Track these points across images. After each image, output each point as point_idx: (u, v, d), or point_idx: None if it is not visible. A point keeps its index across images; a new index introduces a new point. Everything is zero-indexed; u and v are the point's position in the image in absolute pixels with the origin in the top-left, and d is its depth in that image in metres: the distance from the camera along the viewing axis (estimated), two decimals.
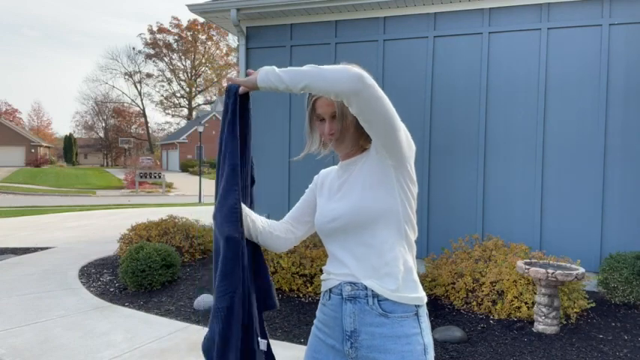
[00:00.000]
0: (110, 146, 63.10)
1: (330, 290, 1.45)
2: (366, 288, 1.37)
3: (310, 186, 1.67)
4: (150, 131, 65.35)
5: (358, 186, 1.41)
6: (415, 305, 1.38)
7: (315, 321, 1.55)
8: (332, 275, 1.46)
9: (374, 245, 1.38)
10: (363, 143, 1.47)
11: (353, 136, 1.44)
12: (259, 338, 1.50)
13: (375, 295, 1.36)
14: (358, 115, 1.28)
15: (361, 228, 1.39)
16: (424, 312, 1.41)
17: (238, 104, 1.48)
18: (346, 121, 1.41)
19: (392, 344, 1.33)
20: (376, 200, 1.37)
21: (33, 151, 50.46)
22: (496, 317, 4.23)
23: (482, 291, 4.37)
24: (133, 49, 67.18)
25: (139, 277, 5.07)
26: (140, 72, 60.84)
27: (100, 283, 5.63)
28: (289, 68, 1.31)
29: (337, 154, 1.52)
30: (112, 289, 5.35)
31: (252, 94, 1.52)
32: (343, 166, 1.51)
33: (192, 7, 6.42)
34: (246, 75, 1.42)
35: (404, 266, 1.38)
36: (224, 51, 59.45)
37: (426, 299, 1.42)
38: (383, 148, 1.34)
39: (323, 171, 1.65)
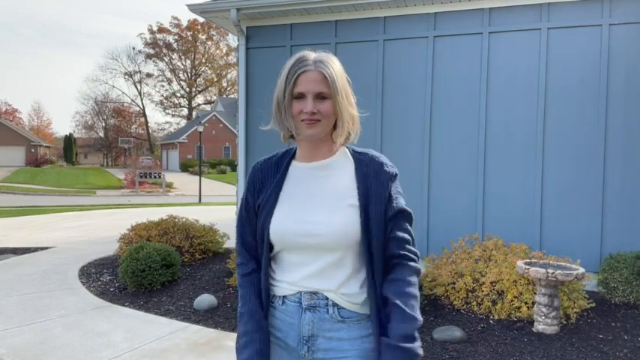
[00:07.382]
0: (110, 146, 63.11)
1: (285, 297, 1.38)
2: (327, 298, 1.35)
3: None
4: (150, 131, 65.41)
5: (344, 203, 1.35)
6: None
7: None
8: (286, 284, 1.39)
9: (344, 264, 1.35)
10: (332, 134, 1.38)
11: (331, 122, 1.35)
12: None
13: (335, 305, 1.35)
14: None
15: (340, 249, 1.34)
16: None
17: None
18: (335, 104, 1.32)
19: (348, 345, 1.36)
20: (358, 224, 1.33)
21: (33, 151, 50.50)
22: (496, 317, 4.23)
23: (483, 291, 4.37)
24: (133, 48, 67.43)
25: (139, 277, 5.07)
26: (140, 72, 60.97)
27: (100, 283, 5.63)
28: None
29: (302, 147, 1.41)
30: (112, 289, 5.35)
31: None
32: (316, 168, 1.40)
33: (192, 7, 6.42)
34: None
35: (364, 282, 1.38)
36: (224, 51, 59.53)
37: None
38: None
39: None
